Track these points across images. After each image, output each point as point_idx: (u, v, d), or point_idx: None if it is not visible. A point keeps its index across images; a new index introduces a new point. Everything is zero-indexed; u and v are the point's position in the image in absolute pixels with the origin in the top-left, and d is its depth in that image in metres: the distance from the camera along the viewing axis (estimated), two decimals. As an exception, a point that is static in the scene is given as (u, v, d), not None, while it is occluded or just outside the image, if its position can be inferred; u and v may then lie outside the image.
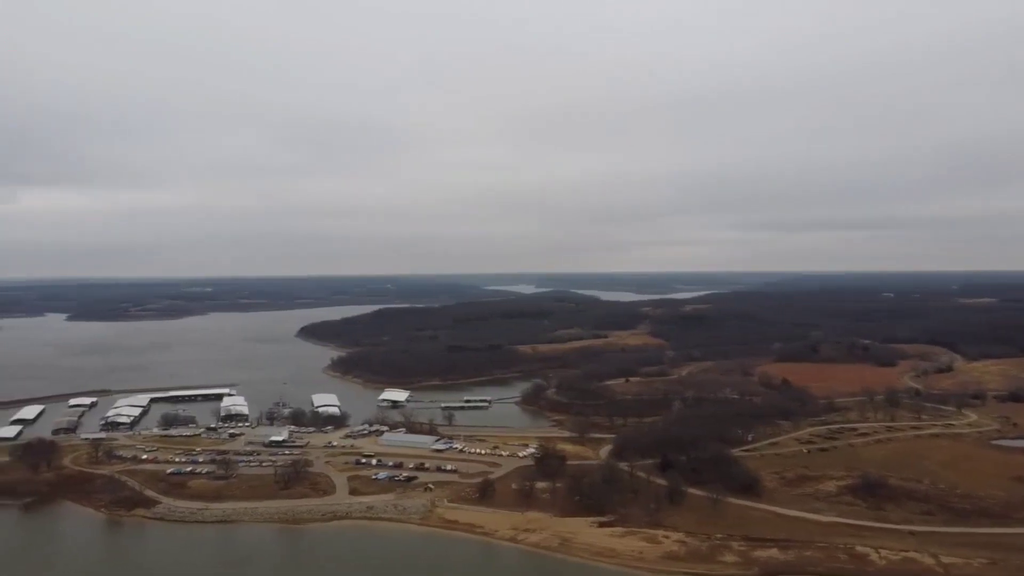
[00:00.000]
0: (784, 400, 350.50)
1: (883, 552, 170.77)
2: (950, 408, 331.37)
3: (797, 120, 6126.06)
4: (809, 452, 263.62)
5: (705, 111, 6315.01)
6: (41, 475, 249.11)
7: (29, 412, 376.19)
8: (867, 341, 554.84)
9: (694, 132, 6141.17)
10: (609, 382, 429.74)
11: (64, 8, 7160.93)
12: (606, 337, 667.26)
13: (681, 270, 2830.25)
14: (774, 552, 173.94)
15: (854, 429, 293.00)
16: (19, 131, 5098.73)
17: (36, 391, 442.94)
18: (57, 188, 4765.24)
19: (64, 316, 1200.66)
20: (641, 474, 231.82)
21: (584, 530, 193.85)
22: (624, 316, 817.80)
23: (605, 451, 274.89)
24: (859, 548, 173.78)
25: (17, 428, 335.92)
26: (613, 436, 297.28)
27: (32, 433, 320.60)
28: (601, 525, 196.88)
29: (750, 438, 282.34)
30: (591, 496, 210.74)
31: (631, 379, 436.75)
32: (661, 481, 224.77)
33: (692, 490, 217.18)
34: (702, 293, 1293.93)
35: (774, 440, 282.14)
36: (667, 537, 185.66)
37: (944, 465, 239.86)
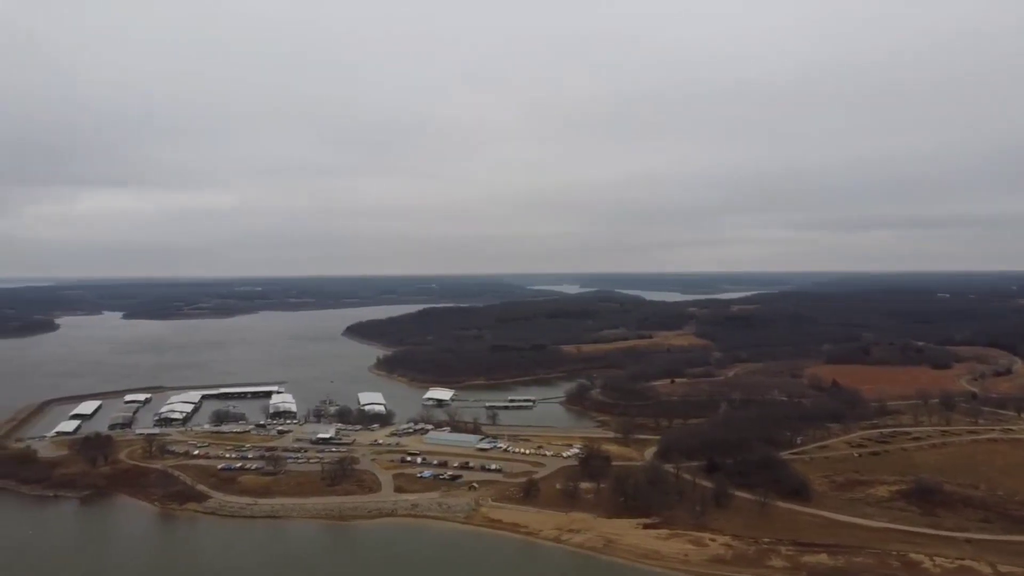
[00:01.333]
0: (834, 403, 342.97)
1: (937, 560, 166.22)
2: (1009, 412, 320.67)
3: (851, 114, 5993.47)
4: (860, 456, 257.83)
5: (758, 106, 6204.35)
6: (98, 469, 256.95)
7: (87, 407, 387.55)
8: (921, 343, 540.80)
9: (745, 128, 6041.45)
10: (654, 383, 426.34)
11: (119, 13, 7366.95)
12: (651, 337, 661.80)
13: (728, 270, 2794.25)
14: (823, 558, 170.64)
15: (907, 433, 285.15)
16: (78, 135, 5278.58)
17: (93, 387, 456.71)
18: (114, 189, 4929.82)
19: (120, 314, 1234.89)
20: (687, 476, 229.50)
21: (629, 531, 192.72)
22: (669, 316, 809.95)
23: (650, 452, 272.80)
24: (912, 555, 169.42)
25: (76, 423, 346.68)
26: (658, 437, 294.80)
27: (90, 428, 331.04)
28: (646, 527, 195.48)
29: (799, 441, 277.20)
30: (636, 497, 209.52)
31: (676, 380, 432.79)
32: (707, 483, 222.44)
33: (739, 493, 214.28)
34: (750, 293, 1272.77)
35: (823, 443, 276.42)
36: (713, 540, 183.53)
37: (1002, 471, 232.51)
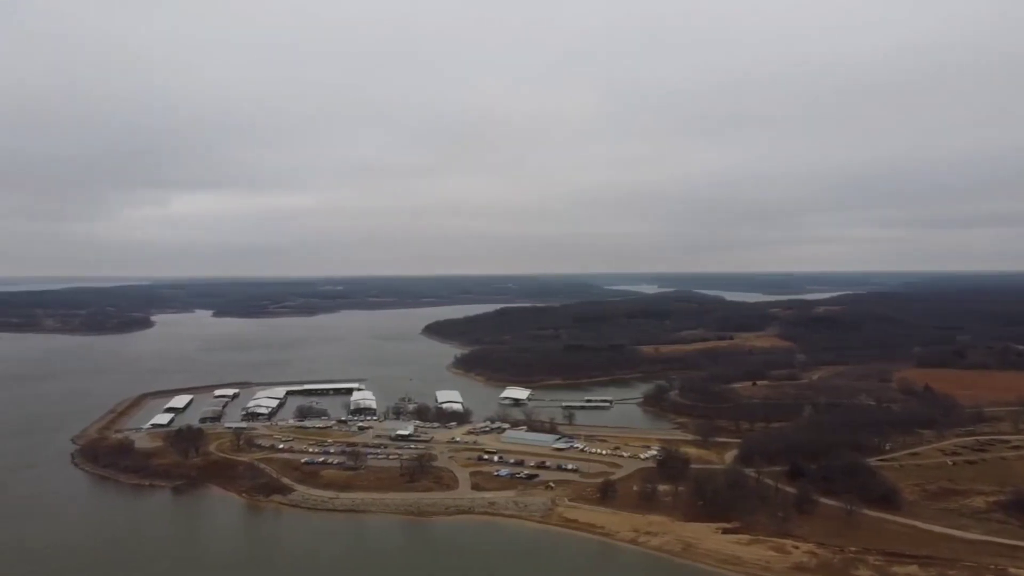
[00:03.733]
0: (926, 408, 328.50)
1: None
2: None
3: (946, 108, 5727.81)
4: (954, 464, 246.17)
5: (848, 99, 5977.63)
6: (190, 460, 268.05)
7: (179, 401, 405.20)
8: (1022, 347, 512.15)
9: (833, 122, 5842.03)
10: (734, 385, 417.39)
11: (209, 22, 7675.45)
12: (731, 339, 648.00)
13: (812, 270, 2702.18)
14: (914, 569, 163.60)
15: (1006, 441, 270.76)
16: (170, 140, 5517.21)
17: (186, 382, 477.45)
18: (204, 192, 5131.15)
19: (210, 312, 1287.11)
20: (768, 481, 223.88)
21: (708, 536, 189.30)
22: (751, 317, 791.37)
23: (730, 456, 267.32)
24: (1012, 570, 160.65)
25: (169, 416, 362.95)
26: (739, 441, 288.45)
27: (182, 421, 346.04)
28: (725, 531, 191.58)
29: (887, 447, 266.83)
30: (715, 501, 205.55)
31: (758, 382, 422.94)
32: (790, 489, 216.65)
33: (823, 500, 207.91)
34: (835, 294, 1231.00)
35: (914, 450, 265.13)
36: (796, 547, 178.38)
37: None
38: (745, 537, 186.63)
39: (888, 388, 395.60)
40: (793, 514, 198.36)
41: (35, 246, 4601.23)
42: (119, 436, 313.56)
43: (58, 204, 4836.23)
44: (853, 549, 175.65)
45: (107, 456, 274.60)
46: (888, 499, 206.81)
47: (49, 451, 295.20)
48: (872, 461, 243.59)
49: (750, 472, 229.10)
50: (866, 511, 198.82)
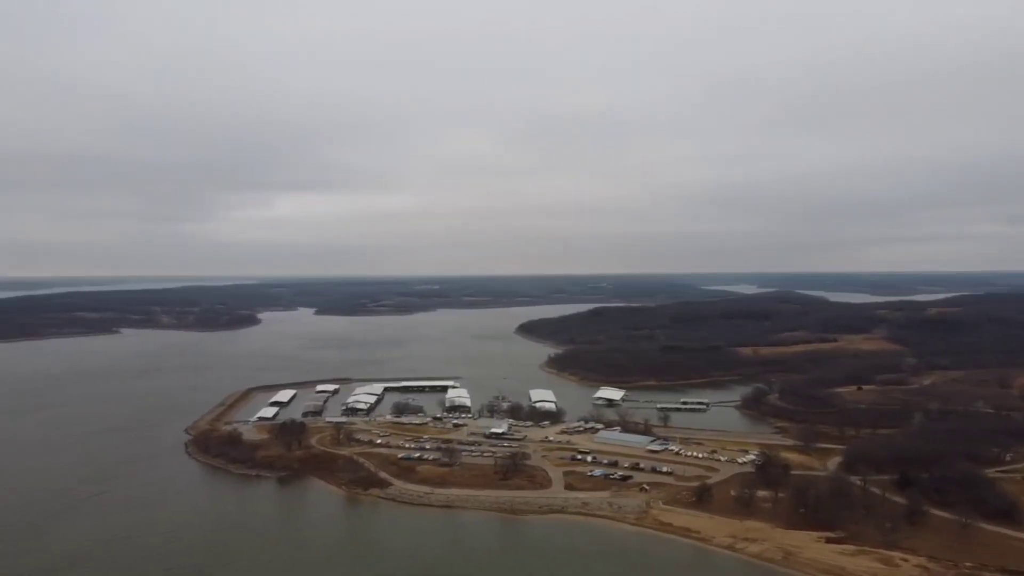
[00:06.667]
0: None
1: None
2: None
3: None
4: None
5: (969, 88, 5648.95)
6: (293, 452, 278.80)
7: (284, 396, 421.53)
8: None
9: (951, 113, 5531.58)
10: (838, 389, 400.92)
11: (313, 27, 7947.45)
12: (835, 341, 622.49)
13: (925, 270, 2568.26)
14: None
15: None
16: (274, 143, 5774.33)
17: (289, 377, 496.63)
18: (307, 193, 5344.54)
19: (312, 310, 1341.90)
20: (875, 490, 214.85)
21: (810, 545, 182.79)
22: (856, 319, 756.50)
23: (833, 463, 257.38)
24: None
25: (274, 410, 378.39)
26: (843, 447, 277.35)
27: (286, 415, 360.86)
28: (829, 541, 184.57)
29: (1008, 458, 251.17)
30: (818, 509, 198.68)
31: (864, 387, 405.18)
32: (898, 499, 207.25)
33: (935, 511, 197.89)
34: (951, 295, 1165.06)
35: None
36: (905, 560, 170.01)
37: None
38: (850, 547, 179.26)
39: (1009, 395, 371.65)
40: (902, 525, 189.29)
41: (150, 247, 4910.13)
42: (228, 428, 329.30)
43: (170, 207, 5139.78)
44: (968, 565, 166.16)
45: (217, 447, 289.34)
46: (1008, 513, 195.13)
47: (166, 442, 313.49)
48: (990, 472, 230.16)
49: (855, 480, 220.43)
50: (983, 525, 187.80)
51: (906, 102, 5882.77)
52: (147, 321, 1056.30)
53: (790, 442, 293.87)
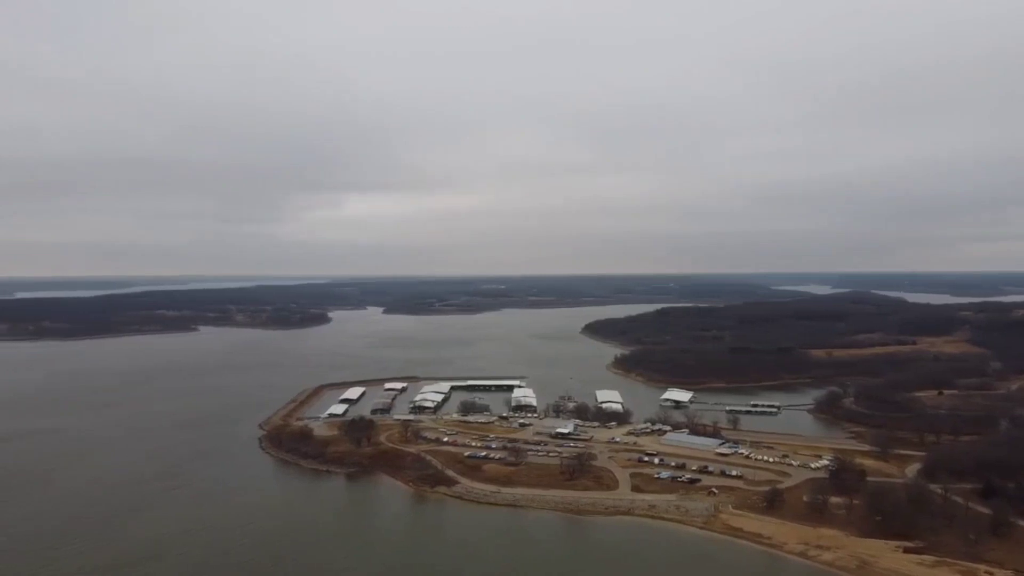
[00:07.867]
0: None
1: None
2: None
3: None
4: None
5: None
6: (362, 449, 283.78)
7: (353, 393, 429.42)
8: None
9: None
10: (917, 393, 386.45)
11: (378, 29, 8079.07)
12: (914, 343, 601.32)
13: (1012, 269, 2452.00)
14: None
15: None
16: (344, 145, 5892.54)
17: (358, 375, 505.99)
18: (374, 193, 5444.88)
19: (381, 309, 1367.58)
20: (957, 499, 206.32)
21: (886, 554, 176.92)
22: (937, 320, 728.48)
23: (912, 469, 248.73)
24: None
25: (344, 407, 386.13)
26: (922, 454, 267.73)
27: (355, 412, 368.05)
28: (907, 551, 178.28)
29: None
30: (895, 517, 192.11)
31: (945, 391, 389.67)
32: (983, 509, 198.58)
33: (1022, 523, 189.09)
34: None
35: None
36: (990, 573, 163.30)
37: None
38: (930, 558, 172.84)
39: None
40: (986, 537, 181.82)
41: (224, 247, 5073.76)
42: (300, 424, 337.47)
43: (243, 209, 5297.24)
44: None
45: (289, 442, 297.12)
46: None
47: (241, 436, 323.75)
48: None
49: (935, 488, 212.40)
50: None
51: (988, 93, 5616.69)
52: (223, 319, 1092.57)
53: (866, 447, 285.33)
